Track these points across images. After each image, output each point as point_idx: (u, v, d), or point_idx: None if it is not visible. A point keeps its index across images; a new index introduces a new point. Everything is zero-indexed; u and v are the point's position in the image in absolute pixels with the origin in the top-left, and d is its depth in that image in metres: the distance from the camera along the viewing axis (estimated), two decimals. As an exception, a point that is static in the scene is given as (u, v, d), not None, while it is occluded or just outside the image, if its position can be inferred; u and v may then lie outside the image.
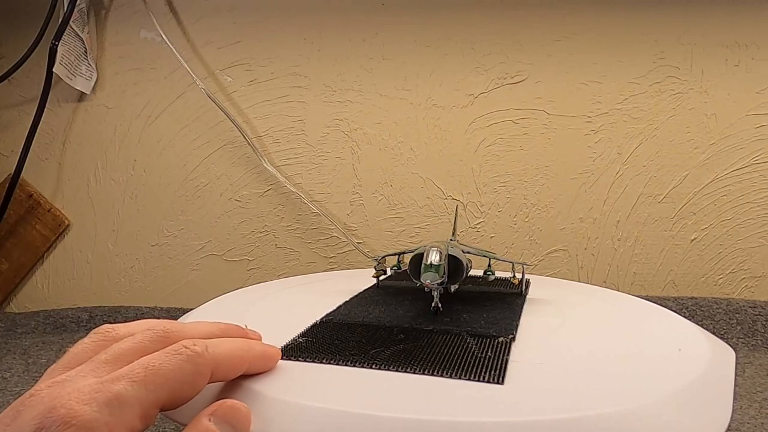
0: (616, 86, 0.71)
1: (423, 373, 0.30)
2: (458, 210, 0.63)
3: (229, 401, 0.25)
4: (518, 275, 0.49)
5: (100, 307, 0.77)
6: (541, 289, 0.51)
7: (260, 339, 0.33)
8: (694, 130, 0.70)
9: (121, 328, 0.28)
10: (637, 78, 0.71)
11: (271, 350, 0.31)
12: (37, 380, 0.53)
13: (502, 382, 0.29)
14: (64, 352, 0.65)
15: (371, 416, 0.25)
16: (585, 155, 0.73)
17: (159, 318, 0.80)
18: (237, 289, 0.52)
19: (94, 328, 0.80)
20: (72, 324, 0.74)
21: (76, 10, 0.74)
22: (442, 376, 0.30)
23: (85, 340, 0.28)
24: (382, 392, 0.28)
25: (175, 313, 0.75)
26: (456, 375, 0.30)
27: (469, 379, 0.29)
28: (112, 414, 0.21)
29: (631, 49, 0.70)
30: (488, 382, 0.29)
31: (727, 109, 0.70)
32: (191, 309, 0.46)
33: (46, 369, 0.58)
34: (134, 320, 0.80)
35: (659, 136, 0.71)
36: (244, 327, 0.33)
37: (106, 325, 0.29)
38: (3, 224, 0.80)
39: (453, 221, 0.56)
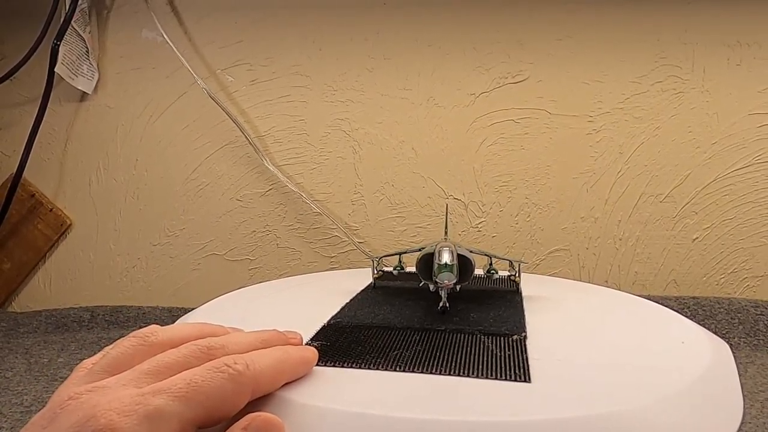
0: (618, 85, 0.71)
1: (449, 374, 0.30)
2: (448, 208, 0.63)
3: (263, 414, 0.24)
4: (517, 273, 0.49)
5: (101, 306, 0.77)
6: (542, 289, 0.51)
7: (301, 341, 0.33)
8: (696, 130, 0.70)
9: (160, 332, 0.28)
10: (639, 77, 0.70)
11: (308, 354, 0.31)
12: (39, 380, 0.53)
13: (529, 380, 0.29)
14: (66, 351, 0.65)
15: (408, 419, 0.25)
16: (586, 155, 0.72)
17: (161, 318, 0.80)
18: (238, 288, 0.52)
19: (95, 327, 0.80)
20: (74, 323, 0.74)
21: (77, 9, 0.74)
22: (468, 376, 0.30)
23: (124, 342, 0.27)
24: (414, 395, 0.28)
25: (176, 313, 0.75)
26: (483, 375, 0.30)
27: (496, 379, 0.29)
28: (151, 428, 0.21)
29: (632, 48, 0.70)
30: (515, 381, 0.29)
31: (729, 108, 0.69)
32: (193, 308, 0.46)
33: (48, 368, 0.58)
34: (136, 320, 0.80)
35: (661, 136, 0.71)
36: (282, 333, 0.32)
37: (146, 328, 0.28)
38: (5, 224, 0.80)
39: (445, 220, 0.56)
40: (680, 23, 0.69)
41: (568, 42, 0.71)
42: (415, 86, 0.74)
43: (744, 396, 0.32)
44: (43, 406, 0.24)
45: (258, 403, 0.27)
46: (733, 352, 0.38)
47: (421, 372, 0.30)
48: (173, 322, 0.44)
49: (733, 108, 0.69)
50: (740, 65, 0.69)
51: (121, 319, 0.75)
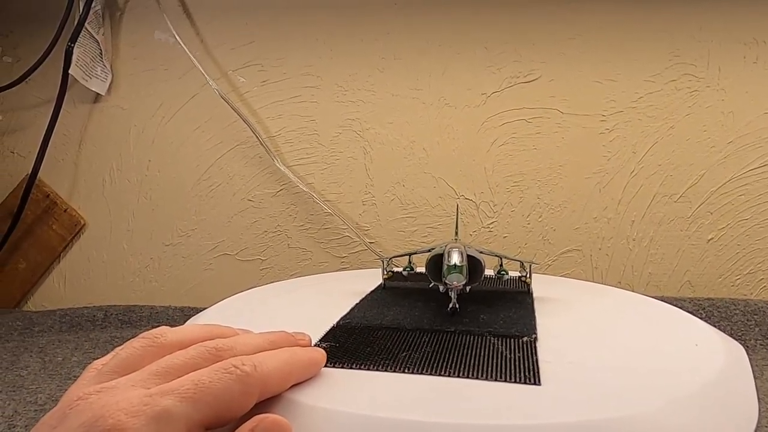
0: (631, 84, 0.70)
1: (458, 376, 0.30)
2: (458, 209, 0.63)
3: (270, 416, 0.24)
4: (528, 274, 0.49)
5: (114, 306, 0.78)
6: (554, 290, 0.50)
7: (310, 342, 0.33)
8: (711, 129, 0.69)
9: (170, 333, 0.28)
10: (653, 76, 0.70)
11: (316, 356, 0.30)
12: (53, 378, 0.54)
13: (539, 383, 0.29)
14: (80, 350, 0.65)
15: (416, 422, 0.25)
16: (599, 154, 0.72)
17: (173, 317, 0.80)
18: (250, 288, 0.52)
19: (109, 326, 0.80)
20: (87, 323, 0.75)
21: (91, 12, 0.75)
22: (477, 378, 0.29)
23: (134, 343, 0.27)
24: (422, 397, 0.28)
25: (188, 313, 0.75)
26: (492, 377, 0.29)
27: (505, 381, 0.29)
28: (159, 429, 0.21)
29: (646, 46, 0.69)
30: (525, 383, 0.29)
31: (745, 106, 0.68)
32: (204, 308, 0.46)
33: (62, 367, 0.59)
34: (148, 319, 0.81)
35: (675, 135, 0.70)
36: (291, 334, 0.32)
37: (156, 329, 0.28)
38: (20, 224, 0.81)
39: (455, 220, 0.55)
40: (695, 20, 0.68)
41: (580, 41, 0.71)
42: (426, 86, 0.74)
43: (760, 399, 0.31)
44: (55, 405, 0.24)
45: (266, 404, 0.26)
46: (749, 354, 0.37)
47: (430, 374, 0.30)
48: (185, 321, 0.44)
49: (749, 106, 0.68)
50: (756, 63, 0.68)
51: (133, 319, 0.75)
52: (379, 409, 0.26)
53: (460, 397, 0.28)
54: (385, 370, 0.31)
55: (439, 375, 0.30)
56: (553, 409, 0.26)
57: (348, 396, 0.28)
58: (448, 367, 0.31)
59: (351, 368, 0.31)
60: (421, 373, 0.30)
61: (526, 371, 0.30)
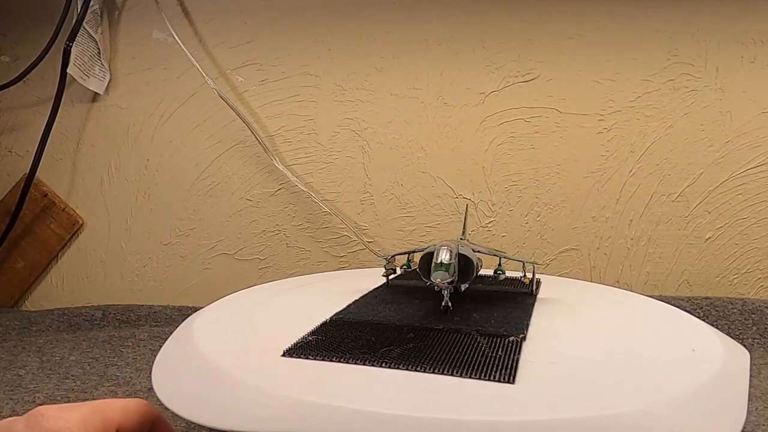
0: (629, 84, 0.70)
1: (433, 372, 0.30)
2: (468, 209, 0.63)
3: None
4: (528, 274, 0.49)
5: (113, 305, 0.78)
6: (552, 289, 0.50)
7: None
8: (709, 128, 0.70)
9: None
10: (651, 75, 0.70)
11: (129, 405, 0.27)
12: (51, 378, 0.54)
13: (513, 382, 0.29)
14: (78, 350, 0.65)
15: (381, 414, 0.25)
16: (597, 153, 0.72)
17: (171, 316, 0.80)
18: (248, 287, 0.52)
19: (107, 326, 0.80)
20: (86, 322, 0.74)
21: (89, 11, 0.75)
22: (452, 375, 0.30)
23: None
24: (392, 390, 0.28)
25: (186, 312, 0.75)
26: (466, 374, 0.30)
27: (479, 379, 0.29)
28: None
29: (644, 46, 0.69)
30: (498, 381, 0.29)
31: (743, 106, 0.69)
32: (203, 307, 0.46)
33: (60, 366, 0.59)
34: (147, 319, 0.80)
35: (673, 134, 0.70)
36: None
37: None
38: (18, 223, 0.81)
39: (463, 220, 0.56)
40: (693, 21, 0.68)
41: (578, 40, 0.71)
42: (425, 86, 0.74)
43: (758, 398, 0.31)
44: (55, 403, 0.24)
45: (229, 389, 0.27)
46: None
47: (405, 369, 0.30)
48: (183, 320, 0.44)
49: (746, 106, 0.68)
50: (754, 63, 0.68)
51: (132, 318, 0.75)
52: (346, 400, 0.26)
53: (427, 391, 0.28)
54: (363, 364, 0.31)
55: (415, 370, 0.30)
56: (516, 407, 0.26)
57: (319, 387, 0.28)
58: (424, 362, 0.31)
59: (331, 361, 0.32)
60: (397, 368, 0.31)
61: (503, 370, 0.30)
